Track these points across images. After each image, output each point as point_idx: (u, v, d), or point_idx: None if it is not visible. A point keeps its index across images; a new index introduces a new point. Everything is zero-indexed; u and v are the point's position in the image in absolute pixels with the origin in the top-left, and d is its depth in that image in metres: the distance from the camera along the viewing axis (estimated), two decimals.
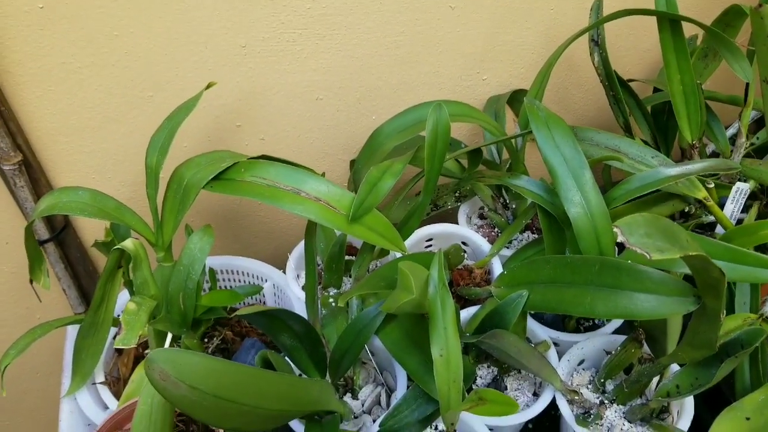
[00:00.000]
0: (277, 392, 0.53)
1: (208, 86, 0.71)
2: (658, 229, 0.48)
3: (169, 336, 0.63)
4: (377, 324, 0.68)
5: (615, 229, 0.46)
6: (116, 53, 0.73)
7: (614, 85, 0.81)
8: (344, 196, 0.67)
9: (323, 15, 0.77)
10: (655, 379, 0.70)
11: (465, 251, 0.85)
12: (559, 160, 0.69)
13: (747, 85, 0.76)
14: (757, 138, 0.86)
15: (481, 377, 0.74)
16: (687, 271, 0.58)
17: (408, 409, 0.64)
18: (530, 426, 0.82)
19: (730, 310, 0.75)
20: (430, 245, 0.85)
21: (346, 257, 0.82)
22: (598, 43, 0.81)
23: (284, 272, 0.81)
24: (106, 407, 0.70)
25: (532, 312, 0.79)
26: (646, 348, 0.68)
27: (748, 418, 0.56)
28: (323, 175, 0.70)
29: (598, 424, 0.68)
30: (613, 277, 0.57)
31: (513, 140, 0.80)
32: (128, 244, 0.65)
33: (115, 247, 0.65)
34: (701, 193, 0.74)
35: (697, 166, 0.68)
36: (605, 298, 0.57)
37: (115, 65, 0.74)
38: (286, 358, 0.68)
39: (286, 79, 0.81)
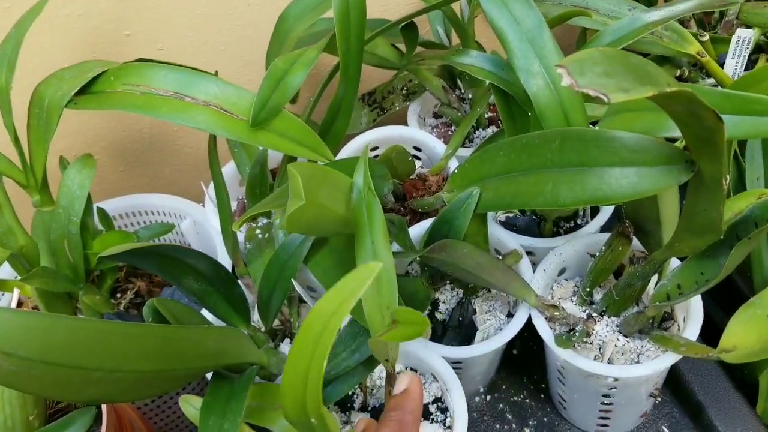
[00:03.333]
0: (147, 349, 0.40)
1: None
2: (626, 67, 0.34)
3: (15, 293, 0.50)
4: (304, 252, 0.55)
5: (559, 70, 0.31)
6: None
7: None
8: (242, 97, 0.54)
9: None
10: (654, 281, 0.57)
11: (419, 157, 0.72)
12: (508, 20, 0.54)
13: None
14: None
15: (444, 302, 0.61)
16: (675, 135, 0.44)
17: (346, 351, 0.51)
18: (515, 352, 0.70)
19: (741, 188, 0.61)
20: (377, 155, 0.71)
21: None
22: None
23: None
24: None
25: (503, 219, 0.66)
26: (638, 245, 0.54)
27: None
28: (216, 74, 0.56)
29: (586, 342, 0.55)
30: (578, 153, 0.43)
31: (458, 10, 0.65)
32: None
33: None
34: (693, 48, 0.59)
35: (683, 6, 0.54)
36: (570, 180, 0.43)
37: None
38: (204, 308, 0.56)
39: None
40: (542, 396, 0.67)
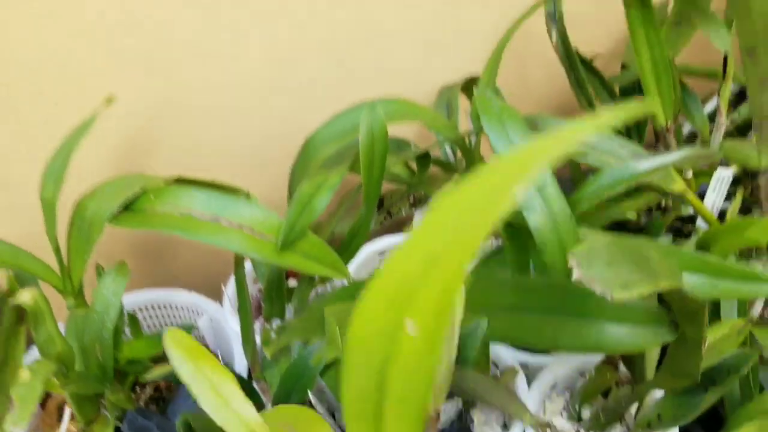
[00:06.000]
0: None
1: (108, 102, 0.62)
2: (624, 254, 0.40)
3: (67, 412, 0.54)
4: (320, 367, 0.60)
5: (571, 261, 0.37)
6: None
7: (575, 64, 0.71)
8: (270, 219, 0.59)
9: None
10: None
11: None
12: (506, 146, 0.60)
13: (726, 56, 0.67)
14: (738, 113, 0.78)
15: (444, 411, 0.66)
16: None
17: None
18: None
19: (716, 316, 0.67)
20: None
21: (291, 280, 0.74)
22: (555, 20, 0.71)
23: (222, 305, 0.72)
24: None
25: None
26: (624, 369, 0.60)
27: None
28: (248, 195, 0.61)
29: None
30: (578, 304, 0.48)
31: (466, 138, 0.71)
32: (25, 297, 0.56)
33: (13, 304, 0.57)
34: (678, 186, 0.66)
35: (671, 157, 0.60)
36: (571, 329, 0.48)
37: None
38: None
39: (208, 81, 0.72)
40: None
